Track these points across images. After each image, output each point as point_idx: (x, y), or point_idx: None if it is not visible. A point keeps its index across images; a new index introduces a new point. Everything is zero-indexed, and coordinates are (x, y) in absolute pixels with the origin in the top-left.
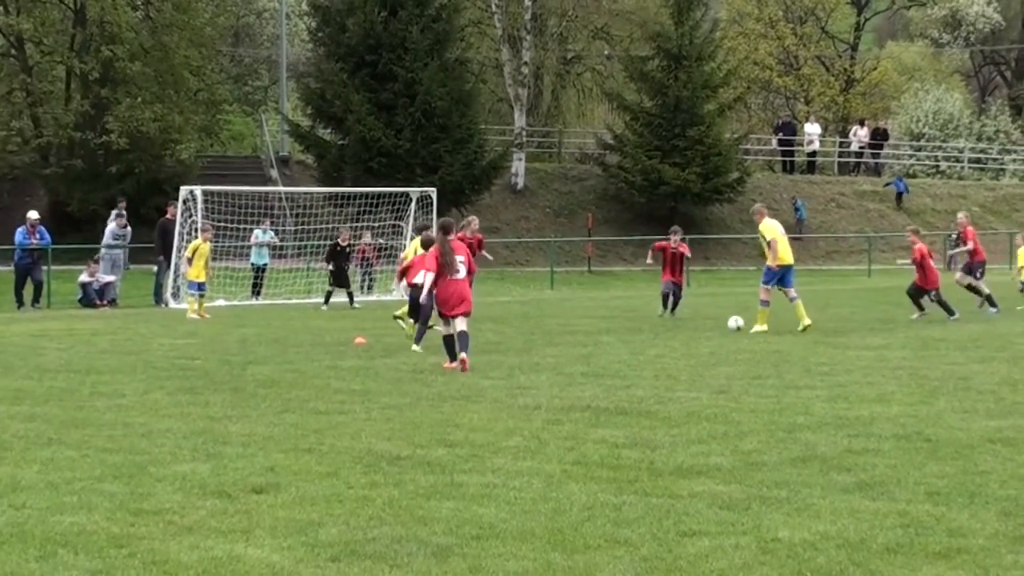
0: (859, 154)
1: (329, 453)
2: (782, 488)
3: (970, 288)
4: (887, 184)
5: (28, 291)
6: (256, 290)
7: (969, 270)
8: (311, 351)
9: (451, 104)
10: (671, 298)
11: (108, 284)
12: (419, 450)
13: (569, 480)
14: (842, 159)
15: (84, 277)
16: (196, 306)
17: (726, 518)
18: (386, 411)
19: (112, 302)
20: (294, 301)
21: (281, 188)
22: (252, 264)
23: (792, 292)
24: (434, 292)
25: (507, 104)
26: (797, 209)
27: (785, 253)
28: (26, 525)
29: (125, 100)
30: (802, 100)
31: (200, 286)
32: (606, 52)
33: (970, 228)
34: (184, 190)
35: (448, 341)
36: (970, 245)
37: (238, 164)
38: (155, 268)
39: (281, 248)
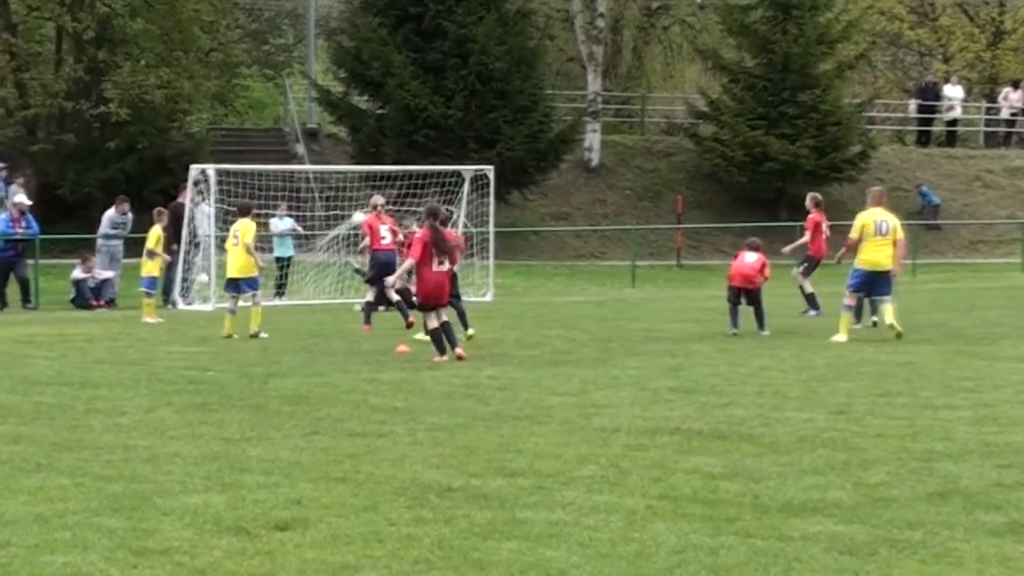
0: (1011, 122)
1: (366, 483)
2: (916, 529)
3: (808, 298)
4: None
5: (12, 290)
6: (280, 288)
7: (807, 267)
8: (345, 361)
9: (511, 65)
10: None
11: (106, 281)
12: (474, 480)
13: (655, 518)
14: (989, 128)
15: (78, 273)
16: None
17: (847, 565)
18: (434, 433)
19: (110, 302)
20: (324, 301)
21: (309, 167)
22: (275, 257)
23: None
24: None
25: (579, 65)
26: (923, 194)
27: (873, 253)
28: (11, 566)
29: (125, 64)
30: (940, 57)
31: (152, 282)
32: (699, 0)
33: (816, 214)
34: (194, 169)
35: (436, 334)
36: (806, 237)
37: (258, 138)
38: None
39: (308, 237)
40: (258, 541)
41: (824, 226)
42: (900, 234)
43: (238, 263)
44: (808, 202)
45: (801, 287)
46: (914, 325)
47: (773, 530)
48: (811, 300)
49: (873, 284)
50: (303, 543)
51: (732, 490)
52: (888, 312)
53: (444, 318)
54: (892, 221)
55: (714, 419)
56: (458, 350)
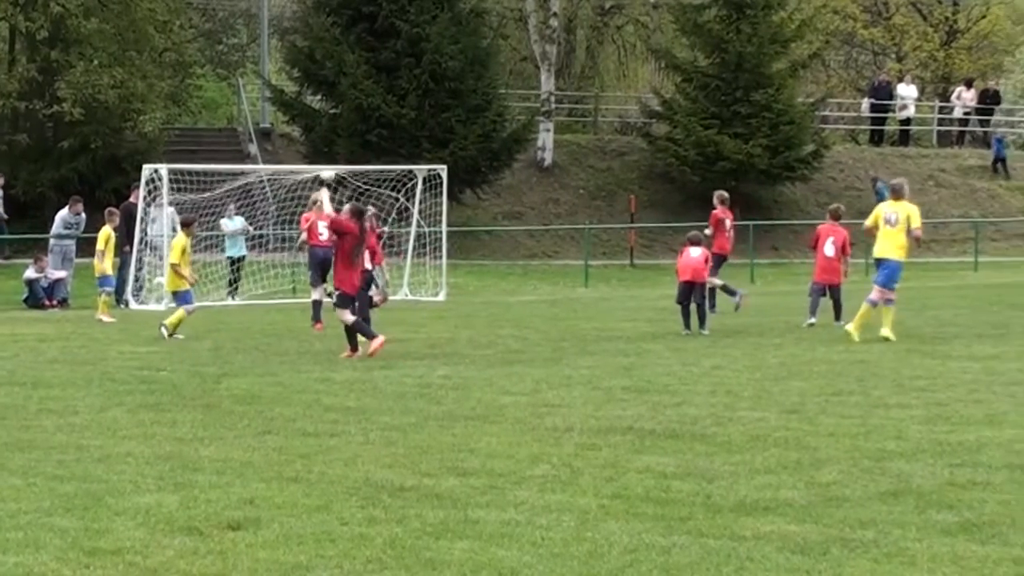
0: (964, 121)
1: (319, 483)
2: (868, 529)
3: (724, 289)
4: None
5: None
6: (233, 288)
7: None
8: (297, 361)
9: (465, 64)
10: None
11: (58, 281)
12: (426, 480)
13: (608, 517)
14: (943, 128)
15: (30, 273)
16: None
17: (799, 564)
18: (387, 433)
19: (63, 302)
20: (277, 301)
21: (261, 166)
22: (228, 257)
23: (873, 294)
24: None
25: (532, 64)
26: (878, 192)
27: (878, 241)
28: None
29: (79, 63)
30: (893, 56)
31: (105, 280)
32: (652, 0)
33: (719, 210)
34: (147, 169)
35: (353, 329)
36: (708, 231)
37: (211, 138)
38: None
39: (260, 237)
40: (210, 541)
41: (728, 223)
42: (915, 223)
43: (167, 278)
44: (714, 198)
45: (713, 286)
46: (867, 324)
47: (725, 529)
48: (726, 289)
49: (878, 271)
50: (255, 543)
51: (684, 489)
52: (885, 316)
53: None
54: (902, 212)
55: (667, 418)
56: (346, 354)
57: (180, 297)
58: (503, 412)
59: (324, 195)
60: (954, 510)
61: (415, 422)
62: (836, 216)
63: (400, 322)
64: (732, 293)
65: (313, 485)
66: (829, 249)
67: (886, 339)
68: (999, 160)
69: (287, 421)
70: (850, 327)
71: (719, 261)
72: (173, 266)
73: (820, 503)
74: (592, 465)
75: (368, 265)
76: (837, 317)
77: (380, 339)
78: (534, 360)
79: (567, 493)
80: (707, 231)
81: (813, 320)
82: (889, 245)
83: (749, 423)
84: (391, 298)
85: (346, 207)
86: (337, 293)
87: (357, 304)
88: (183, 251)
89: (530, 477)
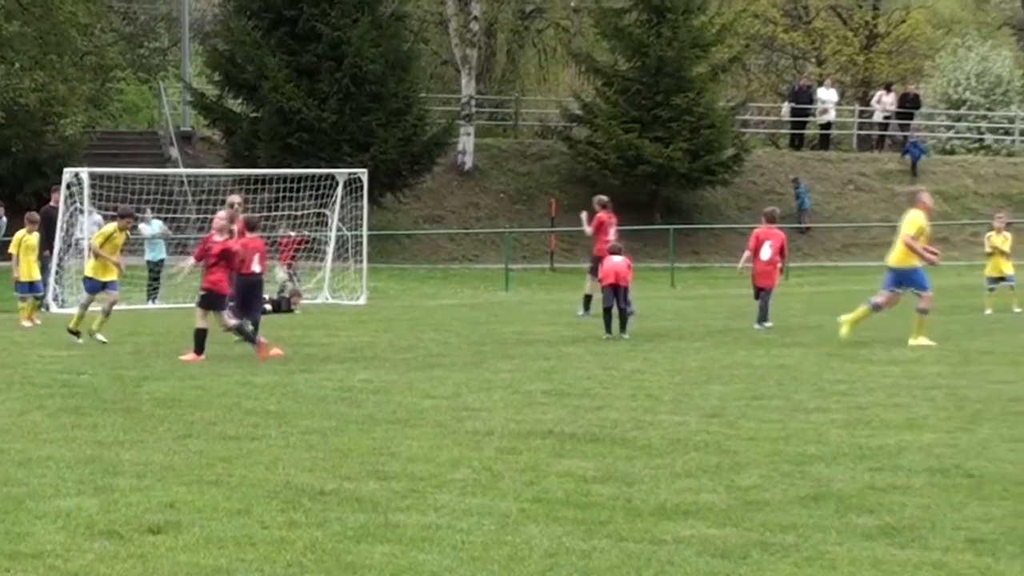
0: (884, 126)
1: (240, 486)
2: (788, 532)
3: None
4: (904, 153)
5: None
6: (152, 292)
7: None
8: (218, 364)
9: (385, 68)
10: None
11: None
12: (347, 484)
13: (528, 521)
14: (862, 132)
15: None
16: (28, 311)
17: (719, 568)
18: (307, 436)
19: None
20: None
21: (182, 170)
22: (147, 261)
23: (874, 297)
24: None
25: (453, 68)
26: (799, 195)
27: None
28: None
29: (0, 66)
30: (813, 60)
31: (32, 286)
32: (573, 4)
33: (602, 214)
34: (68, 172)
35: (203, 334)
36: (588, 230)
37: (132, 141)
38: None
39: (180, 240)
40: (131, 544)
41: (611, 228)
42: (908, 230)
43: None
44: (595, 203)
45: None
46: (787, 328)
47: (645, 533)
48: (586, 301)
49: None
50: (176, 546)
51: (605, 493)
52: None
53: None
54: (904, 219)
55: (587, 422)
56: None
57: (88, 284)
58: (424, 416)
59: (235, 199)
60: (874, 514)
61: (336, 426)
62: (772, 219)
63: (321, 326)
64: (587, 308)
65: (234, 489)
66: (765, 252)
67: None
68: (914, 159)
69: (208, 425)
70: (844, 321)
71: (597, 264)
72: (92, 248)
73: (740, 507)
74: (512, 469)
75: (256, 268)
76: (761, 319)
77: (265, 345)
78: (455, 364)
79: (487, 497)
80: (587, 230)
81: (768, 324)
82: (892, 252)
83: (669, 427)
84: (313, 301)
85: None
86: (203, 294)
87: (237, 307)
88: (107, 238)
89: (450, 481)
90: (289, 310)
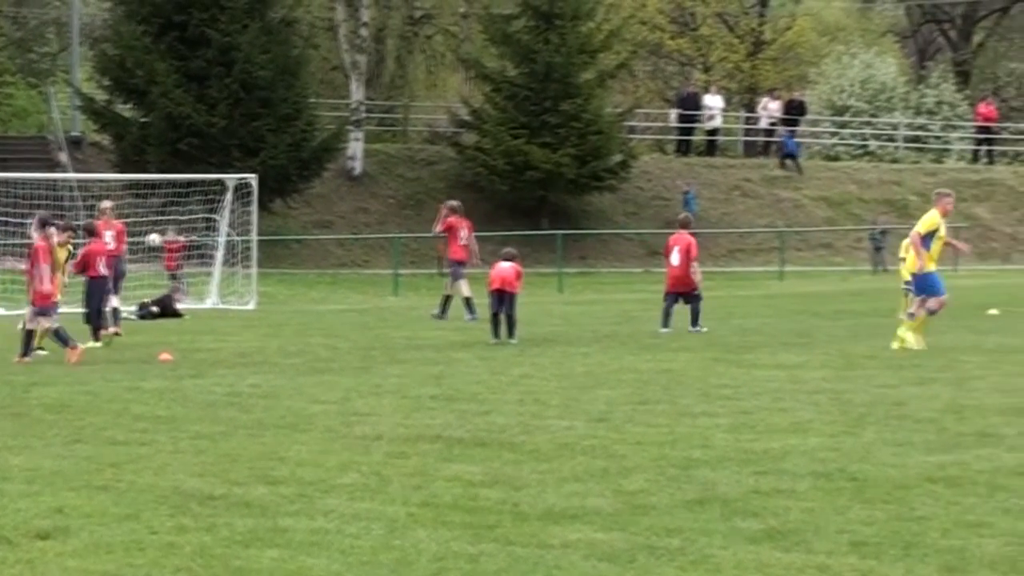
0: (769, 132)
1: (128, 491)
2: (674, 536)
3: (466, 303)
4: (782, 157)
5: None
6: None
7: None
8: (107, 370)
9: (275, 74)
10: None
11: None
12: (236, 488)
13: (416, 525)
14: (749, 138)
15: None
16: None
17: (606, 572)
18: (196, 441)
19: None
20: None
21: (72, 175)
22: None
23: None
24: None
25: (343, 74)
26: (687, 202)
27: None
28: None
29: None
30: (700, 67)
31: None
32: (461, 10)
33: (452, 218)
34: None
35: (29, 335)
36: (436, 228)
37: (20, 146)
38: None
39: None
40: (19, 550)
41: (464, 232)
42: (918, 227)
43: None
44: (445, 207)
45: (461, 296)
46: (675, 333)
47: (533, 537)
48: (443, 303)
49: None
50: (64, 552)
51: (492, 497)
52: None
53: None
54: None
55: (475, 427)
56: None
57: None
58: (312, 421)
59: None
60: (759, 517)
61: (225, 431)
62: (683, 225)
63: (210, 331)
64: (443, 310)
65: (123, 494)
66: (675, 258)
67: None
68: (789, 156)
69: (97, 430)
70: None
71: (456, 268)
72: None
73: (627, 511)
74: (401, 473)
75: (104, 271)
76: (693, 322)
77: (80, 348)
78: (344, 369)
79: (376, 501)
80: (436, 228)
81: (664, 330)
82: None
83: (557, 431)
84: (202, 306)
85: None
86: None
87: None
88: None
89: (339, 485)
90: (176, 312)
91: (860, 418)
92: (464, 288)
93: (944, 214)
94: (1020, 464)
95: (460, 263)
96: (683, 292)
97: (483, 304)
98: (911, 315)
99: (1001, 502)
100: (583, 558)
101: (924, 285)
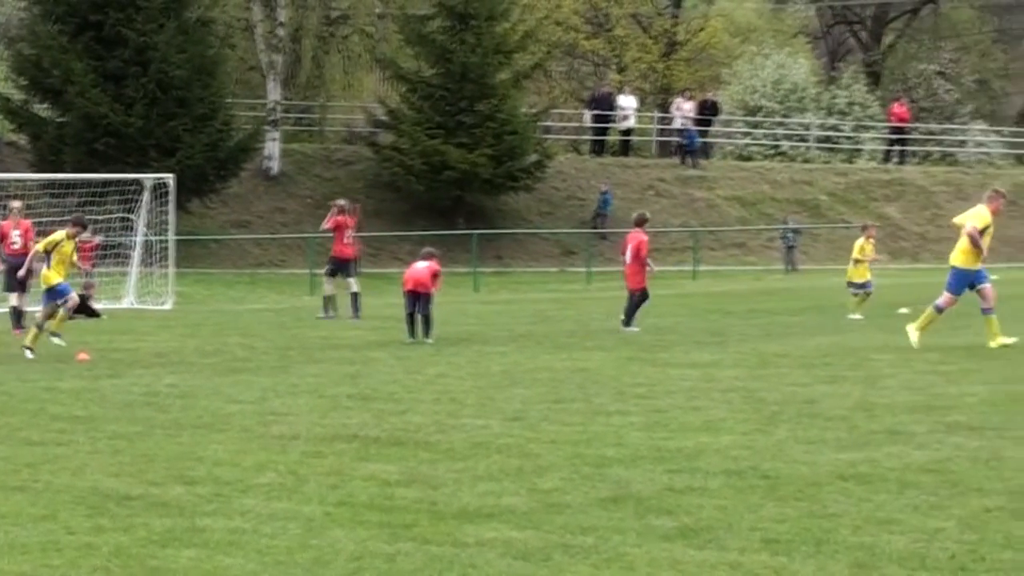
0: (683, 132)
1: (45, 492)
2: (589, 534)
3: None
4: (685, 153)
5: None
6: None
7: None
8: (23, 369)
9: (191, 73)
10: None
11: None
12: (153, 489)
13: (333, 525)
14: (663, 138)
15: None
16: None
17: (521, 570)
18: (114, 441)
19: None
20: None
21: None
22: None
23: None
24: None
25: (259, 74)
26: (606, 202)
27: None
28: None
29: None
30: (614, 68)
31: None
32: (378, 11)
33: (340, 217)
34: None
35: None
36: (324, 225)
37: None
38: None
39: None
40: None
41: (348, 231)
42: (975, 222)
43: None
44: (335, 205)
45: (323, 294)
46: (587, 332)
47: (449, 536)
48: (326, 303)
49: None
50: None
51: (409, 497)
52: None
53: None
54: (969, 213)
55: (391, 426)
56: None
57: (54, 292)
58: (229, 420)
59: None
60: (672, 515)
61: (142, 431)
62: (636, 223)
63: (127, 331)
64: (327, 312)
65: (39, 494)
66: (628, 256)
67: (1003, 346)
68: (690, 151)
69: (13, 430)
70: (911, 329)
71: (338, 265)
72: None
73: (541, 509)
74: (317, 473)
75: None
76: (625, 320)
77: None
78: (261, 368)
79: (293, 501)
80: (324, 225)
81: (632, 328)
82: (953, 251)
83: (472, 430)
84: (117, 306)
85: None
86: None
87: None
88: (54, 244)
89: (256, 485)
90: (93, 312)
91: (772, 416)
92: (328, 287)
93: (994, 213)
94: (929, 461)
95: (345, 261)
96: (630, 289)
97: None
98: (985, 310)
99: (910, 499)
100: (499, 556)
101: (954, 280)
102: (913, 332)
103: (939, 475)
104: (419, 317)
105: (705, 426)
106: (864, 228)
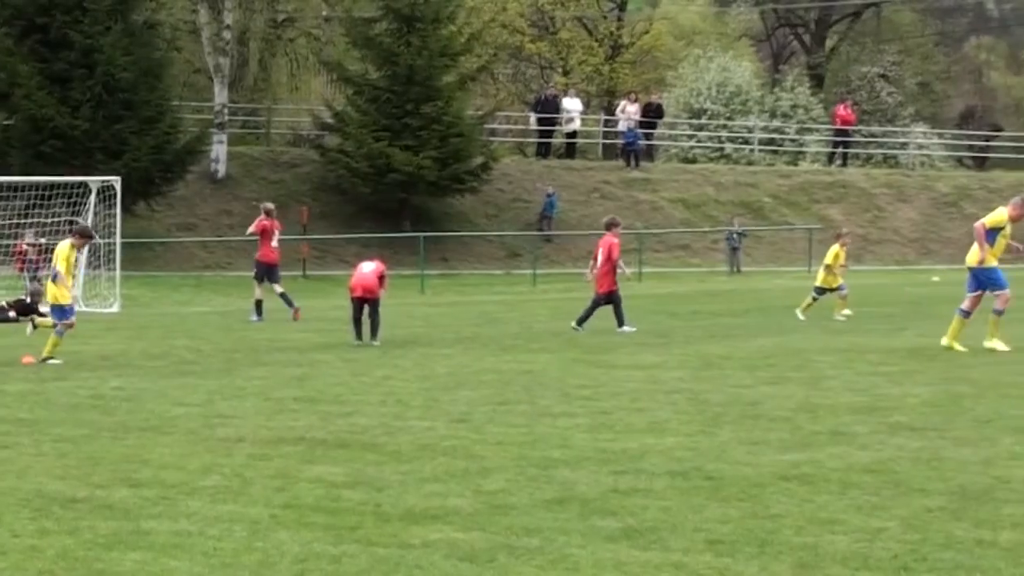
0: (624, 133)
1: None
2: (534, 536)
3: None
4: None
5: None
6: None
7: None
8: None
9: (138, 76)
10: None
11: None
12: (98, 491)
13: (278, 527)
14: (608, 140)
15: None
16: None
17: (466, 571)
18: (59, 444)
19: None
20: None
21: None
22: None
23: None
24: None
25: (206, 76)
26: (551, 204)
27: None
28: None
29: None
30: (560, 70)
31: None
32: (324, 13)
33: (266, 221)
34: None
35: None
36: (250, 229)
37: None
38: None
39: None
40: None
41: (276, 234)
42: (985, 220)
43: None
44: (261, 209)
45: (254, 298)
46: (533, 334)
47: (394, 538)
48: (257, 306)
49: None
50: None
51: (354, 499)
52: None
53: None
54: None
55: (337, 428)
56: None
57: (59, 311)
58: (175, 423)
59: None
60: (617, 516)
61: (88, 433)
62: (607, 226)
63: (73, 334)
64: (258, 314)
65: None
66: (600, 258)
67: (991, 350)
68: (633, 152)
69: None
70: (993, 344)
71: (265, 270)
72: (58, 276)
73: (487, 511)
74: (263, 475)
75: None
76: (579, 320)
77: None
78: (207, 371)
79: (238, 503)
80: (250, 229)
81: (627, 328)
82: (971, 252)
83: (418, 432)
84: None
85: None
86: None
87: None
88: (65, 259)
89: (202, 488)
90: (41, 315)
91: (716, 417)
92: (257, 291)
93: (1012, 219)
94: (871, 462)
95: (271, 266)
96: (600, 292)
97: (345, 306)
98: (997, 311)
99: (853, 499)
100: (444, 558)
101: (986, 280)
102: (992, 342)
103: (881, 475)
104: (366, 319)
105: (649, 427)
106: (839, 236)
